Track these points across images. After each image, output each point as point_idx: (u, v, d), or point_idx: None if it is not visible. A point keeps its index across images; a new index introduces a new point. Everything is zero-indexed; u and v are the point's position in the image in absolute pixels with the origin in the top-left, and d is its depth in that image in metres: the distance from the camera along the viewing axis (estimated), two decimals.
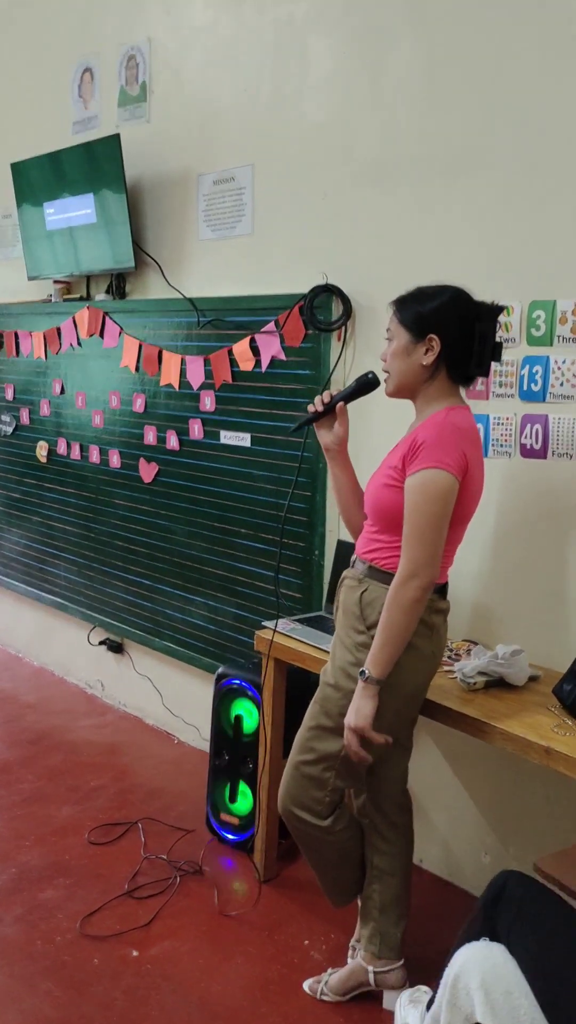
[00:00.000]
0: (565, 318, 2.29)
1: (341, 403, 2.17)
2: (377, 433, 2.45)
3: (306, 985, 2.25)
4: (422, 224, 2.61)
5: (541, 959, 1.49)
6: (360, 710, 1.94)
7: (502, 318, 2.39)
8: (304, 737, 2.13)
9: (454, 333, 1.96)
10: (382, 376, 2.10)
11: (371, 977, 2.20)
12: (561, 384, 2.32)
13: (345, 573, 2.14)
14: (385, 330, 2.07)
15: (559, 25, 2.25)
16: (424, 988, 2.07)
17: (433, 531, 1.90)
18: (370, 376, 2.16)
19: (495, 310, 2.00)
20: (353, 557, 2.13)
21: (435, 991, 1.67)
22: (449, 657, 2.39)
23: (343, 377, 2.84)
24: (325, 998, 2.21)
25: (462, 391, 2.05)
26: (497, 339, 2.02)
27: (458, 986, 1.56)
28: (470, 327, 1.96)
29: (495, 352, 2.01)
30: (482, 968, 1.52)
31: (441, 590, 2.06)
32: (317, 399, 2.19)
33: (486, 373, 2.05)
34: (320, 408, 2.18)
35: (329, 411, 2.18)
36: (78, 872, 2.71)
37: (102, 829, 2.95)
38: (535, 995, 1.46)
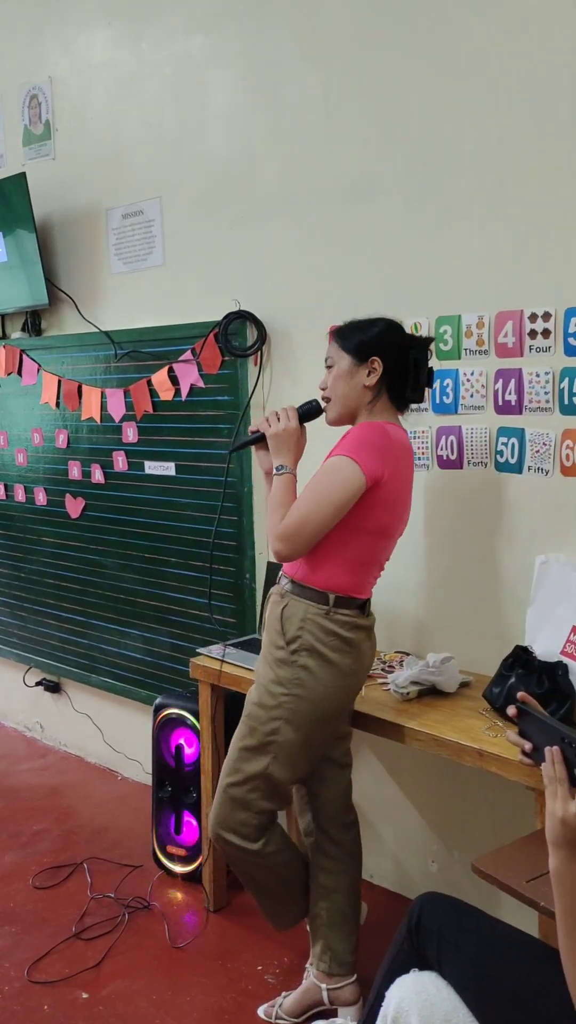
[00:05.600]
0: (470, 331, 2.36)
1: None
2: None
3: (261, 1011, 2.24)
4: (328, 249, 2.67)
5: (474, 979, 1.50)
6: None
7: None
8: (231, 758, 2.12)
9: (393, 357, 2.03)
10: (323, 404, 2.12)
11: (325, 995, 2.19)
12: (471, 395, 2.38)
13: (272, 590, 2.16)
14: (325, 359, 2.11)
15: (447, 58, 2.34)
16: (339, 1022, 2.06)
17: (316, 512, 1.91)
18: (314, 403, 2.15)
19: (426, 340, 2.11)
20: (279, 574, 2.15)
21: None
22: (382, 669, 2.42)
23: (263, 400, 2.88)
24: (281, 1022, 2.20)
25: (400, 418, 2.11)
26: (430, 366, 2.11)
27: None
28: (405, 354, 2.05)
29: (428, 378, 2.10)
30: (418, 1001, 1.50)
31: (362, 606, 2.07)
32: (261, 419, 2.16)
33: (420, 399, 2.12)
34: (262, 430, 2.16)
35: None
36: (23, 919, 2.65)
37: (47, 873, 2.89)
38: (475, 1016, 1.48)
